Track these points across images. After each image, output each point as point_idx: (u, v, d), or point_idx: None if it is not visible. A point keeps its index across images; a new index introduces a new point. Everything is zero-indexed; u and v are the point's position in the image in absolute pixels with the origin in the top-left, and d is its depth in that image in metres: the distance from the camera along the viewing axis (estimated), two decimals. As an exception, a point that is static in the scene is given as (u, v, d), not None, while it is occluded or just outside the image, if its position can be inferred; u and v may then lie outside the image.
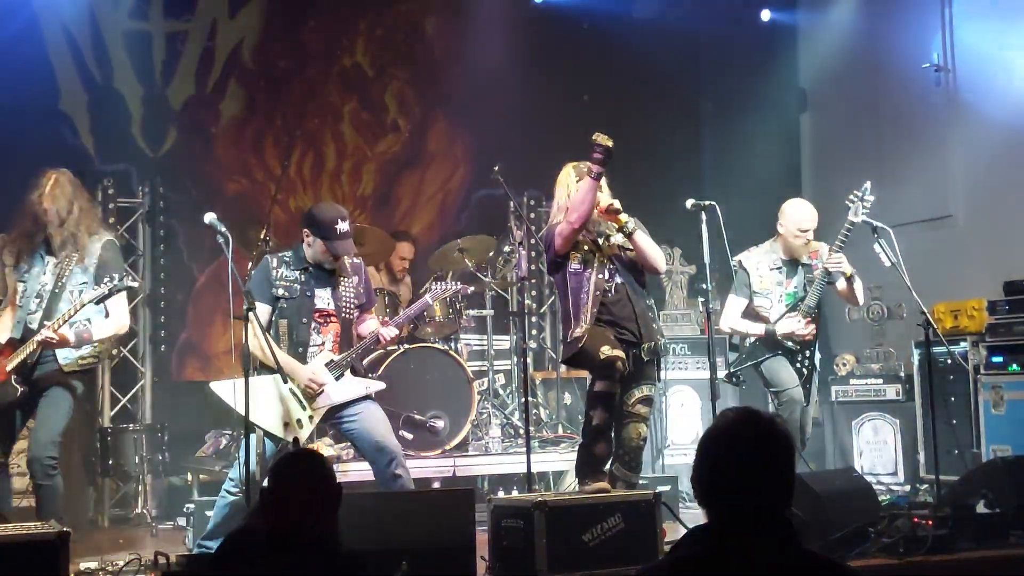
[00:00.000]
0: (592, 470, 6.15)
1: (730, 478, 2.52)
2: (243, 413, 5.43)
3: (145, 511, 8.06)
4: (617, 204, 6.18)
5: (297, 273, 5.92)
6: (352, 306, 6.02)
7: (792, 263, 7.06)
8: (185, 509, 7.41)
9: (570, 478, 7.48)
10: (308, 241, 5.94)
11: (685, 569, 2.49)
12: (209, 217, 5.69)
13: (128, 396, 8.89)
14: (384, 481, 5.87)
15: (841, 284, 6.95)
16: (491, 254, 8.95)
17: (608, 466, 6.24)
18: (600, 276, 6.22)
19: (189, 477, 8.18)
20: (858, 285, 6.99)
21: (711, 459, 2.56)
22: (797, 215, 7.03)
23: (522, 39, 10.30)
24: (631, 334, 6.20)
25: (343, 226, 5.90)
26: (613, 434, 6.25)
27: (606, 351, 6.00)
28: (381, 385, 6.15)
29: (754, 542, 2.46)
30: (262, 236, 7.60)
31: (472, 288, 8.08)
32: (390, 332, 6.09)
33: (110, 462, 8.12)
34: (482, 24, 10.08)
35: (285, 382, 5.75)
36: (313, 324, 5.91)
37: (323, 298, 5.95)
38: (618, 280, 6.26)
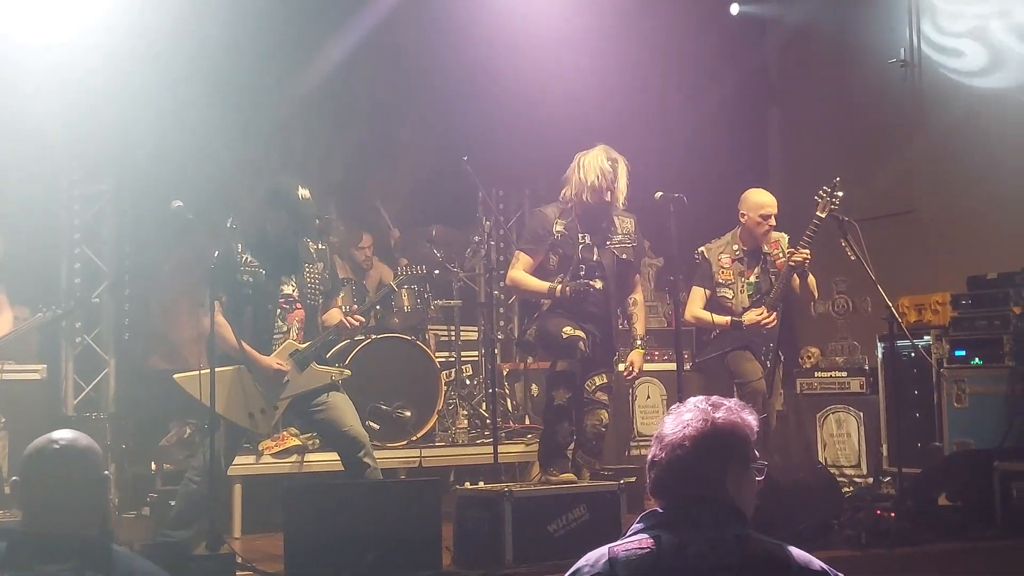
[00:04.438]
0: (556, 454, 6.20)
1: (675, 471, 2.58)
2: (208, 404, 5.41)
3: (108, 500, 7.98)
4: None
5: (262, 258, 5.88)
6: (317, 293, 5.99)
7: (753, 253, 7.10)
8: (148, 498, 7.37)
9: (536, 469, 7.50)
10: (271, 218, 5.91)
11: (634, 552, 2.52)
12: (176, 203, 5.66)
13: (92, 384, 8.82)
14: (352, 470, 5.86)
15: (797, 281, 7.00)
16: (458, 244, 8.94)
17: (571, 453, 6.28)
18: (574, 279, 6.25)
19: (153, 466, 8.12)
20: (812, 281, 7.04)
21: (658, 452, 2.62)
22: (760, 200, 7.09)
23: (489, 33, 10.26)
24: (595, 328, 6.26)
25: (304, 192, 5.88)
26: (575, 421, 6.30)
27: (568, 331, 6.07)
28: (347, 373, 6.13)
29: (700, 530, 2.50)
30: (228, 224, 7.54)
31: (437, 271, 8.05)
32: (352, 320, 6.06)
33: (73, 450, 8.04)
34: (451, 16, 10.02)
35: (250, 372, 5.74)
36: (278, 311, 5.88)
37: (288, 284, 5.91)
38: (596, 285, 6.30)
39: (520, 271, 6.35)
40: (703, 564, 2.46)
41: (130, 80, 8.93)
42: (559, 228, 6.33)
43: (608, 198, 6.31)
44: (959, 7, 9.42)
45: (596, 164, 6.32)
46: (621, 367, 6.55)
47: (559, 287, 6.18)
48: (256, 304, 5.84)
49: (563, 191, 6.46)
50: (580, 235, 6.32)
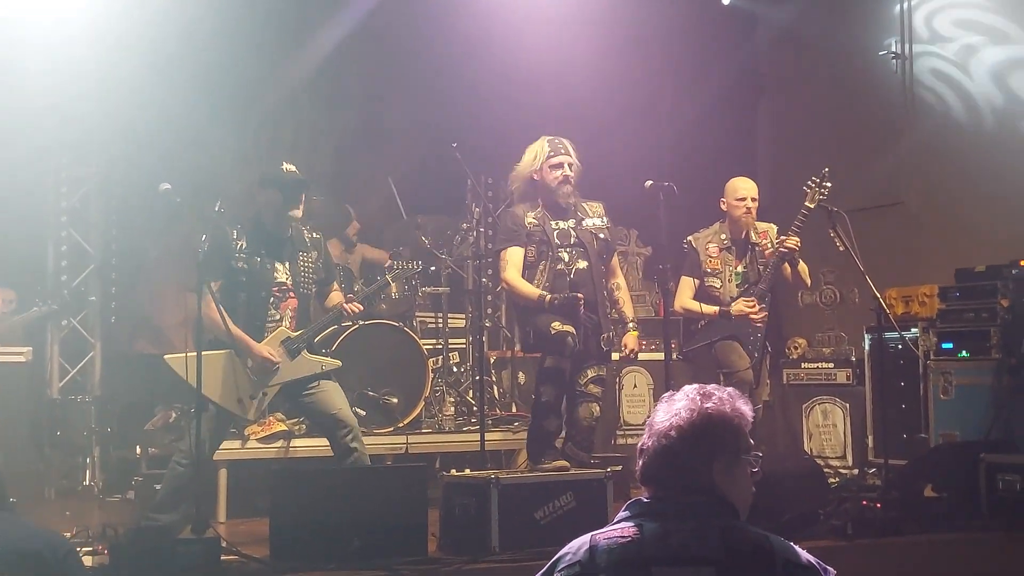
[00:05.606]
0: (544, 446, 6.19)
1: (662, 460, 2.56)
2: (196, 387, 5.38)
3: (93, 483, 7.97)
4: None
5: (256, 244, 5.85)
6: (310, 281, 5.97)
7: (741, 243, 7.10)
8: (133, 482, 7.36)
9: (523, 457, 7.50)
10: (263, 200, 5.90)
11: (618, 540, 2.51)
12: (164, 186, 5.64)
13: (77, 367, 8.79)
14: (340, 454, 5.85)
15: (788, 269, 7.00)
16: (447, 232, 8.92)
17: (561, 445, 6.28)
18: (554, 265, 6.26)
19: (138, 450, 8.10)
20: (803, 268, 7.05)
21: (647, 440, 2.60)
22: (735, 185, 7.15)
23: (479, 22, 10.22)
24: (586, 316, 6.24)
25: (288, 165, 5.92)
26: (566, 414, 6.29)
27: (557, 326, 6.05)
28: (337, 364, 6.11)
29: (685, 520, 2.49)
30: (216, 208, 7.52)
31: (433, 268, 8.05)
32: (355, 308, 6.04)
33: (58, 433, 8.03)
34: (441, 3, 9.99)
35: (240, 357, 5.72)
36: (272, 298, 5.85)
37: (281, 271, 5.89)
38: (580, 265, 6.30)
39: (514, 273, 6.34)
40: (685, 554, 2.43)
41: (118, 65, 8.89)
42: (531, 220, 6.35)
43: (555, 184, 6.34)
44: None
45: (534, 150, 6.43)
46: (616, 355, 6.59)
47: (548, 297, 6.17)
48: (250, 290, 5.82)
49: (512, 188, 6.52)
50: (552, 222, 6.34)
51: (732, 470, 2.56)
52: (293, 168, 5.94)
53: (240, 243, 5.83)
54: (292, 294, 5.91)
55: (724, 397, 2.60)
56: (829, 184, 6.80)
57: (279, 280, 5.87)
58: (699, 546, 2.44)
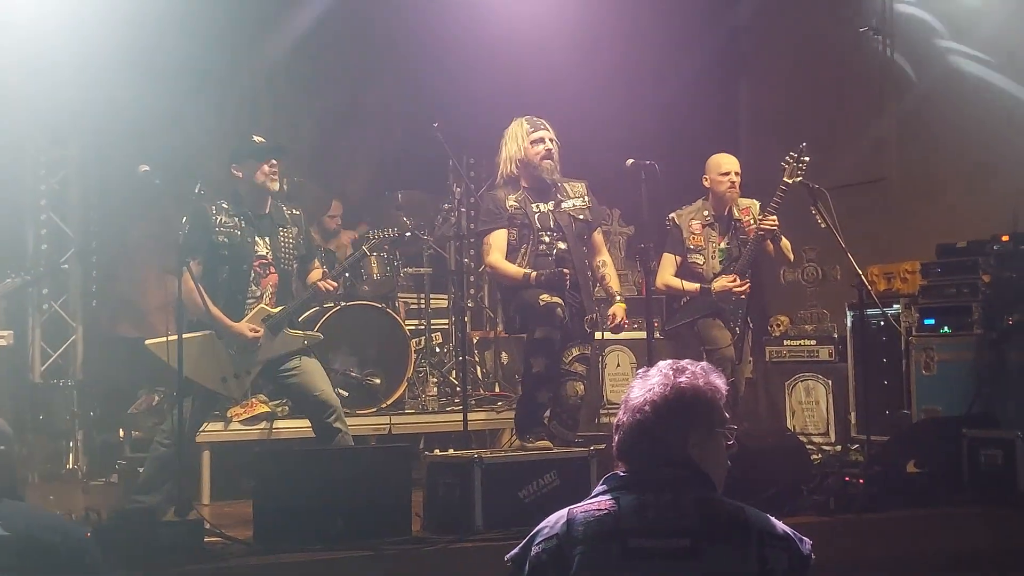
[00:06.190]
0: (533, 421, 6.21)
1: (637, 434, 2.59)
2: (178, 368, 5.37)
3: (76, 467, 7.95)
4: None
5: (236, 219, 5.85)
6: (291, 256, 5.97)
7: (724, 219, 7.12)
8: (116, 465, 7.35)
9: (506, 437, 7.51)
10: (239, 175, 5.89)
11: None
12: (143, 168, 5.61)
13: (59, 351, 8.75)
14: (323, 435, 5.85)
15: (770, 245, 7.01)
16: (429, 211, 8.89)
17: (546, 423, 6.29)
18: (535, 247, 6.27)
19: (121, 433, 8.08)
20: (786, 244, 7.06)
21: (623, 416, 2.62)
22: (717, 160, 7.18)
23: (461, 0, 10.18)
24: (571, 296, 6.26)
25: (258, 138, 5.95)
26: (552, 391, 6.30)
27: (545, 298, 6.06)
28: (319, 337, 6.11)
29: (661, 493, 2.51)
30: (196, 190, 7.47)
31: (409, 234, 8.01)
32: (329, 285, 6.03)
33: (40, 417, 8.00)
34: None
35: (221, 337, 5.71)
36: (252, 273, 5.84)
37: (262, 246, 5.88)
38: (561, 246, 6.31)
39: (498, 256, 6.35)
40: (662, 526, 2.47)
41: (96, 47, 8.80)
42: (512, 203, 6.37)
43: (538, 160, 6.33)
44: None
45: (515, 132, 6.43)
46: (598, 334, 6.59)
47: (533, 274, 6.19)
48: (232, 264, 5.82)
49: (498, 173, 6.51)
50: (533, 204, 6.35)
51: (707, 443, 2.60)
52: (263, 139, 5.97)
53: (220, 217, 5.82)
54: (273, 269, 5.90)
55: (697, 372, 2.63)
56: (807, 159, 6.81)
57: (260, 254, 5.87)
58: (675, 518, 2.47)
